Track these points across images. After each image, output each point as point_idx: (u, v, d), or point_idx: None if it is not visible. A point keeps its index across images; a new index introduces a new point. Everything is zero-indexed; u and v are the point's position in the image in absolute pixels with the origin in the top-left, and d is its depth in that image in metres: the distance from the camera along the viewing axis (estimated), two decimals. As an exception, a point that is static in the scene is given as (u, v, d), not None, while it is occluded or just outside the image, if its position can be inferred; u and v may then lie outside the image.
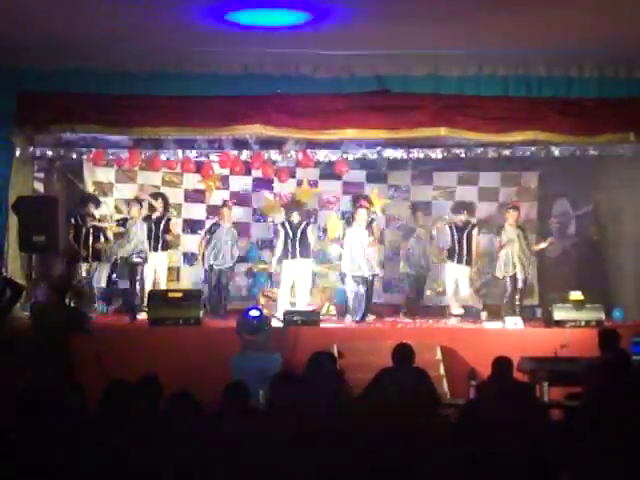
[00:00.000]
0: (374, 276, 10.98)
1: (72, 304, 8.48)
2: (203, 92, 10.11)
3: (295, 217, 11.13)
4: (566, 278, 11.84)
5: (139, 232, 11.01)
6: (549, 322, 10.12)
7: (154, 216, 11.32)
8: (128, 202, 11.63)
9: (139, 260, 10.95)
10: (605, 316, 10.12)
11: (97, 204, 11.49)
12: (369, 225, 11.06)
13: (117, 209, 12.11)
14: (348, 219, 11.36)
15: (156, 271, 11.34)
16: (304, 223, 11.14)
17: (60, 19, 8.88)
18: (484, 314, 11.00)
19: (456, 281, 11.21)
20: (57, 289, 7.86)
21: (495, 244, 11.38)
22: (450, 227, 11.36)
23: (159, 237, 11.26)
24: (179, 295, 10.14)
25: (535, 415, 5.87)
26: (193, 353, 9.18)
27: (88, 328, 7.69)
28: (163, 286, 11.27)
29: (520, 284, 10.93)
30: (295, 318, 9.99)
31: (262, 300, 11.57)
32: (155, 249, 11.27)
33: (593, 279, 11.30)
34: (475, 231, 11.27)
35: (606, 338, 6.97)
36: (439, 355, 9.34)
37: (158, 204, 11.34)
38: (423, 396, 6.28)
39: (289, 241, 10.97)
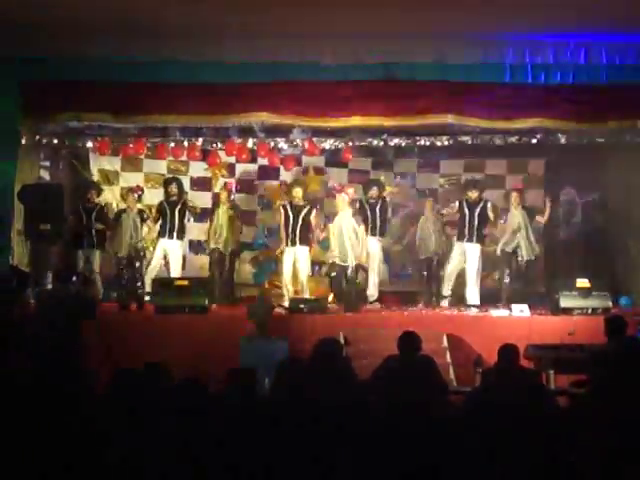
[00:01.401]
0: (359, 267, 10.69)
1: (77, 291, 8.48)
2: (209, 79, 10.07)
3: (297, 194, 10.78)
4: (573, 265, 11.81)
5: (132, 224, 10.91)
6: (556, 309, 10.09)
7: (170, 201, 11.19)
8: (125, 192, 11.57)
9: (138, 249, 10.90)
10: (612, 303, 10.11)
11: (99, 192, 11.49)
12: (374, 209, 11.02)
13: (122, 197, 12.09)
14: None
15: (166, 258, 11.14)
16: (307, 207, 10.76)
17: (64, 5, 8.84)
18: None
19: (464, 261, 10.77)
20: (62, 276, 7.87)
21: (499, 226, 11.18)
22: (461, 203, 10.89)
23: (174, 224, 11.09)
24: (185, 283, 10.12)
25: (541, 402, 5.86)
26: (200, 341, 9.19)
27: (93, 314, 7.70)
28: (175, 275, 10.98)
29: (523, 269, 10.88)
30: (301, 306, 9.99)
31: (269, 288, 11.54)
32: (170, 236, 11.11)
33: (600, 266, 11.29)
34: (489, 206, 10.85)
35: (612, 325, 6.93)
36: (445, 343, 9.32)
37: (172, 189, 11.23)
38: (429, 384, 6.28)
39: (290, 225, 10.61)
